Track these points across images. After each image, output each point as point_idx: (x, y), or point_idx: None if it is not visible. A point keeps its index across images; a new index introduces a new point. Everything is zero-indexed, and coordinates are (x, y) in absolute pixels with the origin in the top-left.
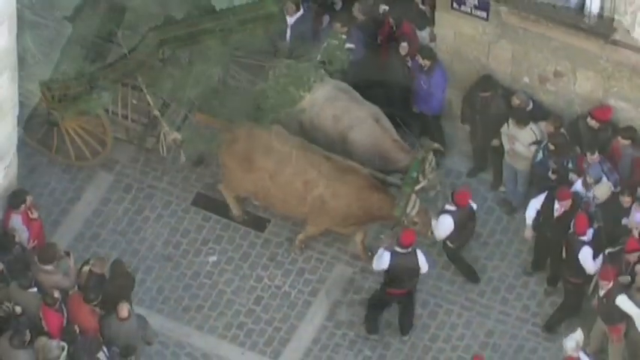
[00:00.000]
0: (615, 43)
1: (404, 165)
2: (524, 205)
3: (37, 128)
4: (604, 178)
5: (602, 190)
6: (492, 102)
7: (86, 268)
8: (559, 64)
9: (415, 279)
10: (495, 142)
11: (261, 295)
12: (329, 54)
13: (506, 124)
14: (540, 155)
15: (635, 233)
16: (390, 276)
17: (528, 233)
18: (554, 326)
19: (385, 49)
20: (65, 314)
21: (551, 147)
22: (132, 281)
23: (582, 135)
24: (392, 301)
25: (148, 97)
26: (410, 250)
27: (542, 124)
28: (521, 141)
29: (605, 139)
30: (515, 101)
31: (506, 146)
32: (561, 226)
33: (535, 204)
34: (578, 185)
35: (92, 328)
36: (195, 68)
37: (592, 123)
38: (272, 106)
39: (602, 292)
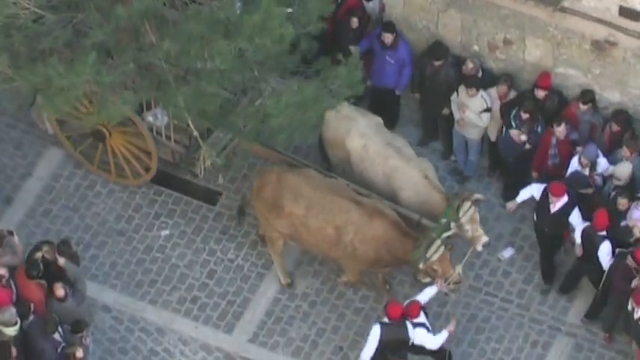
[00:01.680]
0: (564, 10)
1: None
2: (478, 174)
3: (81, 140)
4: (624, 162)
5: (624, 169)
6: (442, 70)
7: (39, 255)
8: (508, 32)
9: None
10: (445, 111)
11: (214, 269)
12: (344, 77)
13: (455, 93)
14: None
15: (636, 231)
16: (385, 350)
17: (511, 205)
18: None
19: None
20: (14, 290)
21: (525, 115)
22: (77, 261)
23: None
24: None
25: (188, 119)
26: (400, 322)
27: (493, 92)
28: (471, 109)
29: (552, 109)
30: (469, 65)
31: (457, 115)
32: (558, 221)
33: (533, 190)
34: (575, 164)
35: (39, 301)
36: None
37: (539, 93)
38: (279, 126)
39: (637, 315)
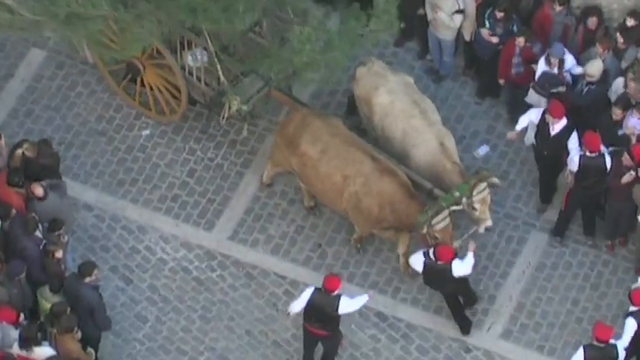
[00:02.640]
0: None
1: None
2: (453, 74)
3: (119, 74)
4: (596, 60)
5: (595, 67)
6: None
7: (19, 152)
8: None
9: (330, 325)
10: (420, 11)
11: (194, 168)
12: (378, 10)
13: None
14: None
15: (634, 139)
16: (307, 313)
17: (512, 135)
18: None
19: None
20: None
21: (499, 14)
22: (57, 161)
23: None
24: (316, 341)
25: (217, 63)
26: (334, 294)
27: None
28: (444, 10)
29: (526, 9)
30: None
31: (430, 15)
32: (558, 144)
33: (532, 115)
34: (542, 66)
35: (18, 206)
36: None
37: None
38: (304, 64)
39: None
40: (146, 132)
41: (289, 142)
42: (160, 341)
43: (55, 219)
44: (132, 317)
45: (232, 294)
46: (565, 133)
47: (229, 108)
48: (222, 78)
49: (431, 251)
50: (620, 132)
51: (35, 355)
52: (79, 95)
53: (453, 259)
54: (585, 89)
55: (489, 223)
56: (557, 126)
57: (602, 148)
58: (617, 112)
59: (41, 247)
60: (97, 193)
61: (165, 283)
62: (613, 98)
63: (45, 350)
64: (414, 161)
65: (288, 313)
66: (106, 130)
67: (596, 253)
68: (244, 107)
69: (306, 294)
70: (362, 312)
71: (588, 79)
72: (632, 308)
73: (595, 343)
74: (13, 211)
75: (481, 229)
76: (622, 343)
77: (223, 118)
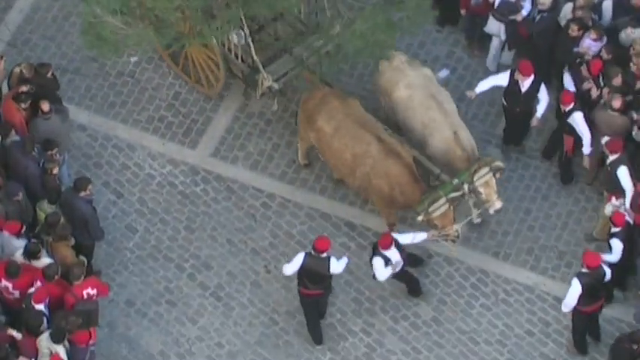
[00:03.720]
0: None
1: None
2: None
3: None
4: None
5: None
6: None
7: (17, 69)
8: None
9: (324, 285)
10: None
11: (179, 91)
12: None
13: None
14: None
15: (587, 58)
16: (301, 277)
17: (470, 94)
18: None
19: None
20: None
21: None
22: (56, 83)
23: None
24: (316, 302)
25: (250, 41)
26: (324, 255)
27: None
28: None
29: None
30: None
31: None
32: (530, 99)
33: (492, 81)
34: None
35: (20, 124)
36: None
37: None
38: (355, 50)
39: (608, 161)
40: (134, 58)
41: (309, 117)
42: (148, 250)
43: (48, 139)
44: (122, 228)
45: (214, 206)
46: (535, 87)
47: (262, 85)
48: (255, 57)
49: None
50: (575, 49)
51: (36, 263)
52: (73, 25)
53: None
54: (538, 17)
55: (498, 204)
56: (526, 82)
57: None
58: (573, 29)
59: (41, 164)
60: (90, 115)
61: (153, 196)
62: (562, 23)
63: (44, 260)
64: (430, 149)
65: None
66: (98, 57)
67: (547, 166)
68: (275, 85)
69: (298, 259)
70: (334, 222)
71: (540, 7)
72: (615, 229)
73: (585, 270)
74: (13, 132)
75: (491, 211)
76: (612, 258)
77: (257, 93)
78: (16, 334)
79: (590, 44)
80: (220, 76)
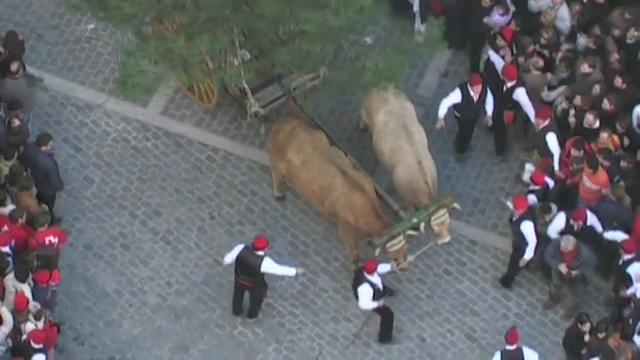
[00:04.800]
0: None
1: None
2: None
3: None
4: None
5: None
6: None
7: None
8: None
9: (254, 279)
10: None
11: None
12: (428, 39)
13: None
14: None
15: (496, 31)
16: (236, 266)
17: (441, 123)
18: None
19: None
20: None
21: None
22: (22, 47)
23: None
24: (243, 290)
25: (242, 71)
26: (259, 253)
27: None
28: None
29: None
30: None
31: None
32: (480, 106)
33: (447, 102)
34: None
35: None
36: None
37: None
38: (370, 79)
39: (538, 129)
40: (91, 26)
41: (279, 149)
42: (104, 199)
43: (14, 99)
44: (81, 179)
45: (164, 159)
46: (484, 93)
47: (249, 108)
48: (245, 85)
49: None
50: (485, 19)
51: (2, 210)
52: None
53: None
54: None
55: (447, 240)
56: (477, 90)
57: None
58: (485, 0)
59: (6, 123)
60: (51, 77)
61: (109, 150)
62: None
63: (10, 207)
64: (396, 177)
65: (224, 263)
66: (58, 25)
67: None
68: (261, 111)
69: (237, 250)
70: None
71: None
72: (534, 187)
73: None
74: None
75: (439, 242)
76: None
77: (244, 115)
78: None
79: (497, 19)
80: (214, 94)
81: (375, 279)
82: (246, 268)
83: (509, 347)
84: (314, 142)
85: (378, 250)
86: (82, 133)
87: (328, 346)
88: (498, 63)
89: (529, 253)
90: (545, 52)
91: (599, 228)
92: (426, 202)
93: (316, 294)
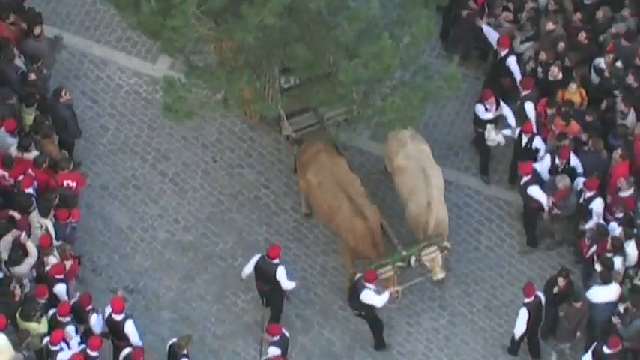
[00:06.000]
0: None
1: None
2: None
3: None
4: None
5: None
6: None
7: None
8: None
9: (271, 285)
10: None
11: None
12: (447, 77)
13: None
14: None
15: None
16: (255, 274)
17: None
18: None
19: None
20: None
21: None
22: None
23: None
24: (263, 295)
25: (280, 98)
26: (274, 262)
27: None
28: None
29: None
30: None
31: None
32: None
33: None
34: None
35: (14, 38)
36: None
37: None
38: (392, 119)
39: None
40: None
41: (302, 167)
42: (118, 145)
43: (34, 54)
44: (97, 127)
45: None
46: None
47: (283, 131)
48: (281, 111)
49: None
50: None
51: (27, 156)
52: None
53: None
54: None
55: (441, 275)
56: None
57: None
58: None
59: (18, 73)
60: (69, 36)
61: (122, 102)
62: None
63: (34, 153)
64: (407, 211)
65: (242, 278)
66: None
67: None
68: (293, 135)
69: (253, 260)
70: (268, 119)
71: None
72: (522, 178)
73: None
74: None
75: (434, 278)
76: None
77: (281, 137)
78: (17, 215)
79: None
80: (257, 115)
81: (375, 286)
82: (263, 275)
83: (527, 299)
84: (333, 167)
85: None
86: (98, 86)
87: (319, 275)
88: (493, 36)
89: (546, 207)
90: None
91: (579, 169)
92: (421, 238)
93: (308, 229)
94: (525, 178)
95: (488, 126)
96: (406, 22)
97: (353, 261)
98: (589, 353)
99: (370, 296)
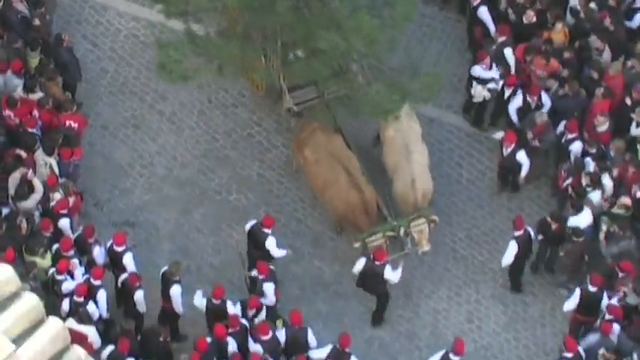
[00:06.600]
0: None
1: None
2: None
3: None
4: None
5: None
6: None
7: None
8: None
9: (261, 251)
10: None
11: None
12: (425, 82)
13: None
14: None
15: None
16: (248, 240)
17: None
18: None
19: None
20: None
21: None
22: None
23: None
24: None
25: (281, 71)
26: (266, 231)
27: None
28: None
29: None
30: None
31: None
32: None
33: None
34: None
35: None
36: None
37: None
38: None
39: (497, 42)
40: None
41: (299, 145)
42: (117, 86)
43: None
44: (98, 70)
45: (168, 31)
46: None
47: (284, 104)
48: (282, 83)
49: (371, 255)
50: None
51: (32, 96)
52: None
53: (387, 261)
54: None
55: (427, 248)
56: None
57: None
58: None
59: (19, 16)
60: None
61: (121, 45)
62: None
63: (39, 94)
64: (393, 187)
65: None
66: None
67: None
68: (295, 108)
69: (248, 224)
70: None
71: None
72: (509, 146)
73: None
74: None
75: (419, 251)
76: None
77: (282, 109)
78: (23, 153)
79: None
80: (263, 87)
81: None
82: (254, 241)
83: (517, 233)
84: (329, 144)
85: (358, 244)
86: (98, 30)
87: (310, 208)
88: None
89: (524, 173)
90: None
91: (548, 103)
92: (411, 212)
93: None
94: (511, 147)
95: (474, 82)
96: (388, 3)
97: (343, 225)
98: (576, 293)
99: (388, 272)
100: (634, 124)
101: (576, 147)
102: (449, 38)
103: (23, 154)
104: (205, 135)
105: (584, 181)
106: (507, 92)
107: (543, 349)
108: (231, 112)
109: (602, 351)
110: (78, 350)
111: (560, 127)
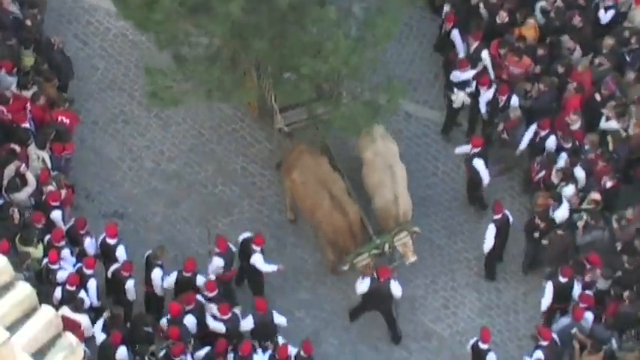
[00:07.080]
0: None
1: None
2: None
3: None
4: None
5: None
6: None
7: None
8: None
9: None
10: None
11: None
12: (390, 94)
13: None
14: None
15: None
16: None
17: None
18: None
19: None
20: None
21: None
22: None
23: None
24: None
25: (272, 92)
26: (254, 248)
27: None
28: None
29: None
30: None
31: None
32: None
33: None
34: None
35: None
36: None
37: None
38: (339, 126)
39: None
40: None
41: (287, 167)
42: (107, 83)
43: (32, 1)
44: (88, 67)
45: (155, 50)
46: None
47: (275, 123)
48: (274, 104)
49: (374, 274)
50: None
51: (26, 93)
52: None
53: (391, 277)
54: None
55: (413, 259)
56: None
57: None
58: None
59: (11, 17)
60: None
61: (111, 44)
62: None
63: (31, 91)
64: (374, 203)
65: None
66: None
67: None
68: (285, 128)
69: (241, 236)
70: None
71: None
72: (471, 149)
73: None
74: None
75: (406, 262)
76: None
77: (274, 128)
78: (17, 147)
79: None
80: (256, 108)
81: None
82: (244, 254)
83: (496, 216)
84: (316, 167)
85: (346, 267)
86: (89, 30)
87: None
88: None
89: (485, 182)
90: None
91: (516, 104)
92: (392, 227)
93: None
94: (474, 150)
95: (455, 89)
96: (370, 25)
97: (333, 252)
98: (549, 287)
99: (394, 288)
100: (603, 118)
101: (550, 142)
102: (424, 37)
103: (17, 148)
104: (192, 130)
105: (556, 178)
106: (481, 90)
107: (516, 334)
108: (216, 108)
109: (574, 330)
110: (70, 337)
111: (534, 127)
